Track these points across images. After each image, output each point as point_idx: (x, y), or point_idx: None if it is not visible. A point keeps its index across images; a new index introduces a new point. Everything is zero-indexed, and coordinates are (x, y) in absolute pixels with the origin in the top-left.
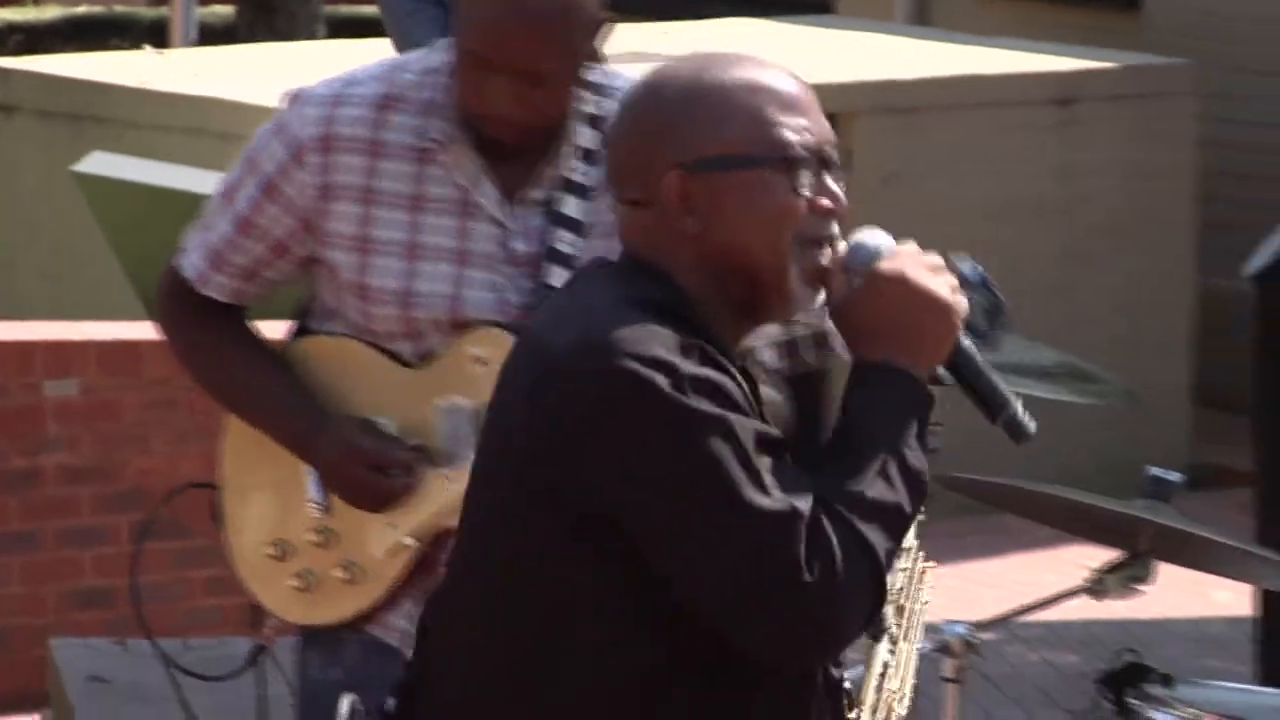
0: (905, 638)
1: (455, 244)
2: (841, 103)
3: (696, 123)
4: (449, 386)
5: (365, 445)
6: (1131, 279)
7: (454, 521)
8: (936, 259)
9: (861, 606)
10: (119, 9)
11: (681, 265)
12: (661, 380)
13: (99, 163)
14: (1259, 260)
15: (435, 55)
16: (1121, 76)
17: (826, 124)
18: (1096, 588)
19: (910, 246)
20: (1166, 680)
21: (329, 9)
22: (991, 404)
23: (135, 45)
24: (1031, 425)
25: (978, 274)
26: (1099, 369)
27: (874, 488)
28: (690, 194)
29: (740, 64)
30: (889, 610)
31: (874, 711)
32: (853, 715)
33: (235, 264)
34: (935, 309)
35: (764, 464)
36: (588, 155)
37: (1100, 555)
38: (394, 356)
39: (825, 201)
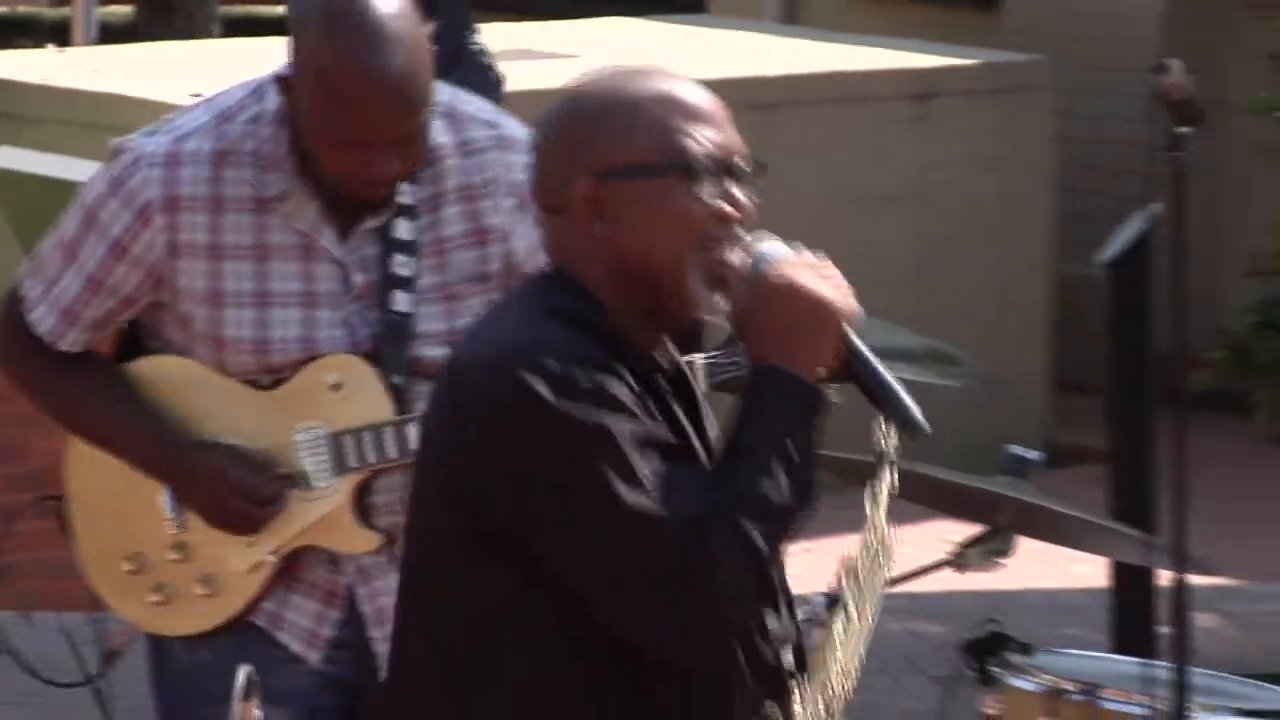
0: (860, 616)
1: (302, 287)
2: None
3: (608, 132)
4: (303, 411)
5: (237, 476)
6: (991, 268)
7: (311, 540)
8: (820, 260)
9: (744, 603)
10: (22, 9)
11: (592, 271)
12: (545, 390)
13: (3, 157)
14: (1111, 249)
15: (258, 103)
16: (980, 73)
17: (736, 136)
18: (959, 561)
19: (803, 254)
20: (1026, 649)
21: (224, 9)
22: (885, 402)
23: (38, 44)
24: (924, 423)
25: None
26: (960, 352)
27: (760, 487)
28: (599, 200)
29: (653, 77)
30: (849, 583)
31: (817, 686)
32: (795, 691)
33: (88, 318)
34: (815, 308)
35: (647, 466)
36: (412, 177)
37: (962, 530)
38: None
39: (728, 209)
